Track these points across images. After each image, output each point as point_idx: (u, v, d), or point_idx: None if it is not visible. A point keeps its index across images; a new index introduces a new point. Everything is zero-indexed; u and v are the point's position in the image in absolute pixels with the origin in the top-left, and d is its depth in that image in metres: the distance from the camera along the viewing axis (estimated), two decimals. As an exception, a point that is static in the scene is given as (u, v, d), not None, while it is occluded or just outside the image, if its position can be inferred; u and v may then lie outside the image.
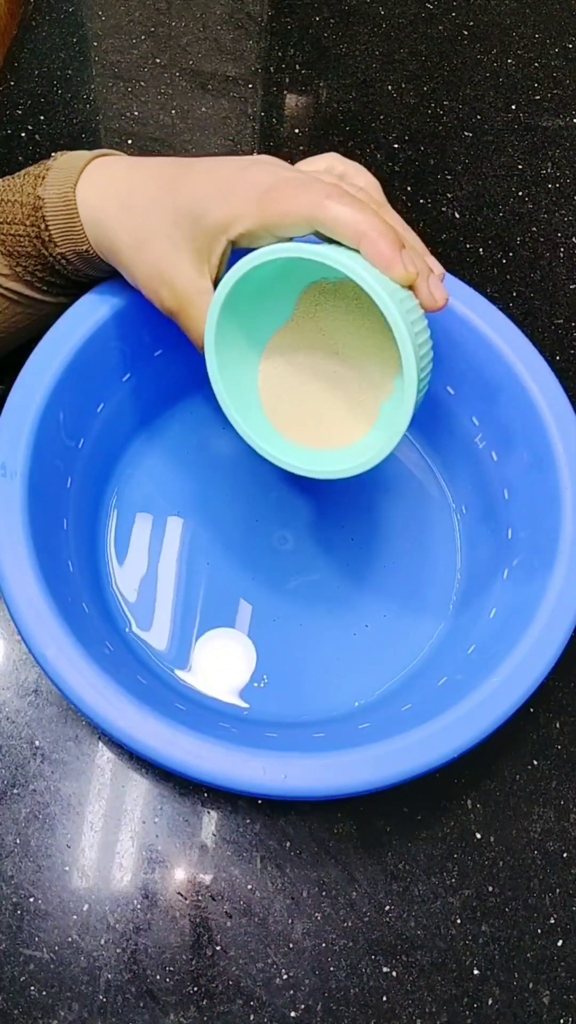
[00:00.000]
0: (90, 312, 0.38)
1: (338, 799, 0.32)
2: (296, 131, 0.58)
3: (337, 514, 0.45)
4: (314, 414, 0.38)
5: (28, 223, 0.36)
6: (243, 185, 0.32)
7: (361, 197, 0.34)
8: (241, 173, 0.32)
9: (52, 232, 0.36)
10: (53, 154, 0.37)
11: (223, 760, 0.31)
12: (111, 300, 0.38)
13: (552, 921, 0.38)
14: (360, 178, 0.36)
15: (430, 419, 0.46)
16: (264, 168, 0.33)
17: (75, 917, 0.36)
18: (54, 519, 0.37)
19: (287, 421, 0.38)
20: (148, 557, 0.43)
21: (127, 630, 0.41)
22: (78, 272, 0.37)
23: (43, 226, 0.36)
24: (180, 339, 0.43)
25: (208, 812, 0.38)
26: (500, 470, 0.42)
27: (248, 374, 0.37)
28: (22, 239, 0.36)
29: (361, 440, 0.37)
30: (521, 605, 0.36)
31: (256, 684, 0.41)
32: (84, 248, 0.36)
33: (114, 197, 0.35)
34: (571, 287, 0.54)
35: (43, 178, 0.36)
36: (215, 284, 0.34)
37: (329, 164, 0.36)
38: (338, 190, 0.31)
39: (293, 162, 0.36)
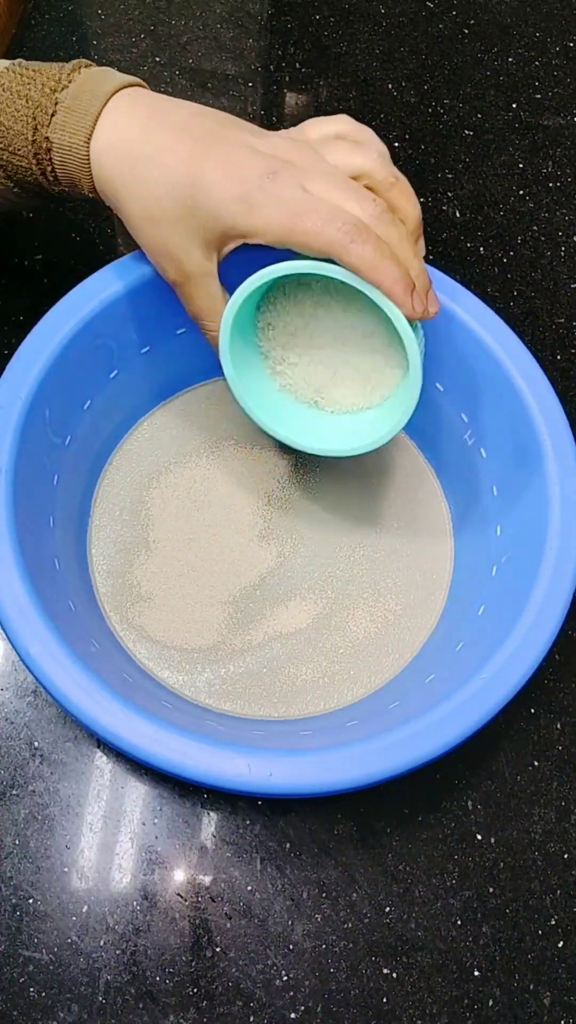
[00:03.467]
0: (77, 308, 0.38)
1: (325, 796, 0.32)
2: (296, 130, 0.58)
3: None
4: (324, 385, 0.40)
5: (34, 160, 0.35)
6: (268, 200, 0.32)
7: (366, 182, 0.35)
8: (267, 184, 0.32)
9: (59, 175, 0.35)
10: (72, 67, 0.36)
11: (208, 758, 0.31)
12: (98, 296, 0.38)
13: (553, 922, 0.38)
14: (369, 154, 0.35)
15: (420, 416, 0.45)
16: (289, 181, 0.32)
17: (74, 918, 0.36)
18: (40, 516, 0.37)
19: (300, 389, 0.40)
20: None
21: (113, 628, 0.41)
22: (71, 198, 0.37)
23: (49, 168, 0.35)
24: (168, 335, 0.43)
25: (208, 813, 0.38)
26: (489, 467, 0.42)
27: (254, 358, 0.40)
28: (26, 171, 0.36)
29: (368, 412, 0.40)
30: (509, 602, 0.36)
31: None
32: (88, 195, 0.36)
33: (128, 162, 0.34)
34: (572, 286, 0.54)
35: (52, 114, 0.34)
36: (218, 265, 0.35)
37: (339, 131, 0.36)
38: (360, 231, 0.32)
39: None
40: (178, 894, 0.37)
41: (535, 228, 0.56)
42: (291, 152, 0.34)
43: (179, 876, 0.37)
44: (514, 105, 0.62)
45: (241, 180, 0.32)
